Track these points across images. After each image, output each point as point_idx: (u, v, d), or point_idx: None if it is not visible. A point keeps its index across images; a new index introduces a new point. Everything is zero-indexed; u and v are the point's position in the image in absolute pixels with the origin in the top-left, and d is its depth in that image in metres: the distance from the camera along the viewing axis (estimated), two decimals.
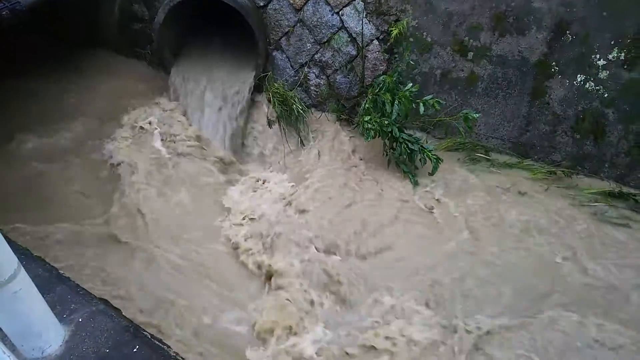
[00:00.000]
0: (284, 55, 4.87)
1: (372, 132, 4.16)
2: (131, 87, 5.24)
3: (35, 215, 3.82)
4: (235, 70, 5.01)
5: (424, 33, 4.38)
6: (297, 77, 4.90)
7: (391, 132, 4.15)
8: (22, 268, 1.97)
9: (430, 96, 4.13)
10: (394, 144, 4.26)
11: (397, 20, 4.42)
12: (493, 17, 4.09)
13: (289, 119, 4.74)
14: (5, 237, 1.96)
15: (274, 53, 4.89)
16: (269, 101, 4.82)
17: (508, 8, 4.03)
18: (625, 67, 3.82)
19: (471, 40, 4.24)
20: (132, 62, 5.58)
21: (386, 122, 4.12)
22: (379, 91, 4.24)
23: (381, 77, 4.32)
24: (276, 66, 4.93)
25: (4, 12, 3.55)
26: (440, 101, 4.09)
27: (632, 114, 3.91)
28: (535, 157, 4.34)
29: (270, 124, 4.83)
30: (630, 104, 3.89)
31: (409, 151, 4.14)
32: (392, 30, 4.41)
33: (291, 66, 4.88)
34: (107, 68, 5.44)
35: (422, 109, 4.10)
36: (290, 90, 4.84)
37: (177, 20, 4.94)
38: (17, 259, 1.95)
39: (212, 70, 5.05)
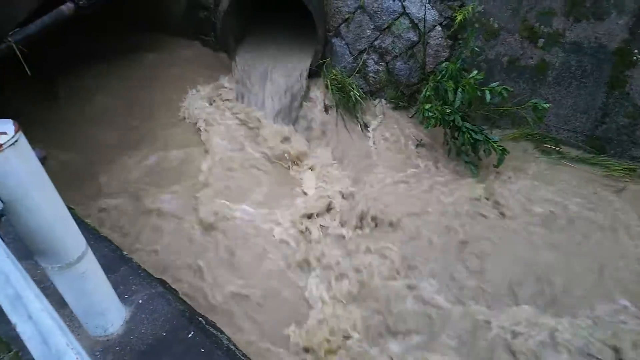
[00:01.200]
0: (343, 42, 4.78)
1: (433, 121, 4.01)
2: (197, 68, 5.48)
3: None
4: (295, 56, 5.04)
5: (491, 19, 4.16)
6: (355, 64, 4.80)
7: (453, 120, 3.98)
8: (90, 249, 2.01)
9: (496, 83, 3.93)
10: (456, 134, 4.09)
11: (461, 6, 4.22)
12: (568, 1, 3.82)
13: (347, 105, 4.66)
14: (76, 218, 2.00)
15: (333, 40, 4.81)
16: (327, 87, 4.76)
17: None
18: None
19: (542, 26, 3.98)
20: (197, 46, 5.74)
21: (448, 111, 3.96)
22: (441, 78, 4.07)
23: (444, 64, 4.14)
24: (335, 53, 4.85)
25: (81, 2, 3.82)
26: (509, 88, 3.88)
27: None
28: (612, 152, 4.04)
29: (327, 109, 4.77)
30: None
31: (472, 141, 3.96)
32: (456, 16, 4.22)
33: (350, 53, 4.79)
34: (174, 51, 5.65)
35: (488, 96, 3.90)
36: (349, 77, 4.75)
37: (240, 8, 4.99)
38: (85, 240, 1.99)
39: (273, 57, 5.12)
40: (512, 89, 3.98)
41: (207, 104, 4.99)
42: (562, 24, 3.90)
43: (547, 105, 3.85)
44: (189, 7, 5.59)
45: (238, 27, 5.21)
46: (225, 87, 5.12)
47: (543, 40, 4.01)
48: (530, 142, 4.22)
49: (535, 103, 3.86)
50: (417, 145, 4.39)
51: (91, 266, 2.04)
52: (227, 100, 4.97)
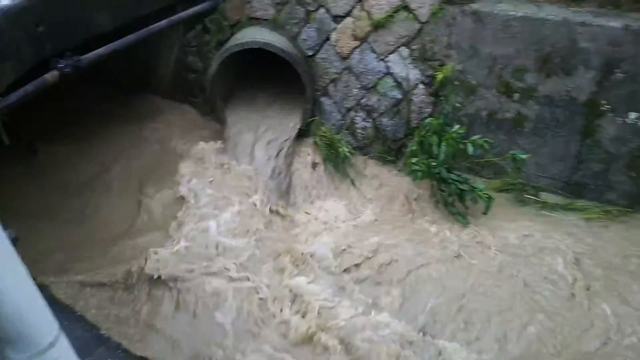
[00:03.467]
0: (331, 101, 5.04)
1: (420, 174, 4.22)
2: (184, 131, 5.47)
3: None
4: (284, 115, 5.21)
5: (469, 76, 4.46)
6: (343, 121, 5.05)
7: (439, 173, 4.19)
8: (63, 333, 1.84)
9: (478, 136, 4.18)
10: (443, 185, 4.29)
11: (441, 65, 4.52)
12: (538, 59, 4.14)
13: (336, 161, 4.85)
14: (49, 296, 1.85)
15: (322, 98, 5.07)
16: (316, 144, 4.96)
17: (553, 50, 4.07)
18: None
19: (516, 82, 4.28)
20: (185, 109, 5.83)
21: (434, 164, 4.17)
22: (425, 133, 4.31)
23: (427, 120, 4.40)
24: (323, 111, 5.09)
25: (66, 70, 3.65)
26: (489, 140, 4.13)
27: None
28: (589, 196, 4.26)
29: (315, 166, 4.94)
30: None
31: (458, 191, 4.15)
32: (437, 75, 4.52)
33: (338, 110, 5.04)
34: (161, 114, 5.68)
35: (470, 149, 4.14)
36: (337, 134, 4.98)
37: (228, 70, 5.22)
38: (57, 323, 1.86)
39: (263, 117, 5.26)
40: (492, 141, 4.22)
41: (197, 169, 4.82)
42: (535, 79, 4.20)
43: (526, 156, 4.09)
44: (177, 69, 5.70)
45: (227, 88, 5.40)
46: (215, 150, 5.02)
47: (518, 94, 4.31)
48: (512, 191, 4.43)
49: (514, 154, 4.11)
50: (409, 198, 4.57)
51: (63, 352, 1.84)
52: (218, 164, 4.88)
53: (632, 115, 3.95)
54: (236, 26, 5.13)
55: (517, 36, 4.16)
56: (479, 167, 4.54)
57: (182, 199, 4.39)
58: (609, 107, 4.01)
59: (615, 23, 3.90)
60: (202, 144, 5.00)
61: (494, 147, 4.38)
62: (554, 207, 4.27)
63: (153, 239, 4.05)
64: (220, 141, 5.10)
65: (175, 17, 4.76)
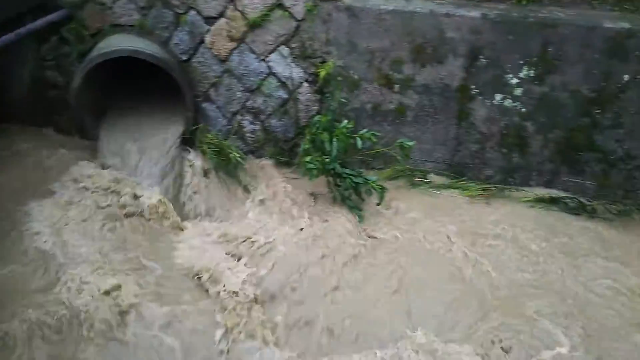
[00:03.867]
0: (214, 106, 4.84)
1: (315, 171, 4.22)
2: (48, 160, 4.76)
3: None
4: (166, 125, 4.86)
5: (351, 71, 4.54)
6: (230, 126, 4.88)
7: (334, 169, 4.23)
8: None
9: (365, 130, 4.28)
10: (338, 180, 4.34)
11: (323, 62, 4.56)
12: (412, 50, 4.35)
13: (227, 168, 4.67)
14: None
15: (204, 104, 4.84)
16: (204, 153, 4.75)
17: (424, 40, 4.30)
18: (535, 82, 4.19)
19: (395, 74, 4.46)
20: (49, 132, 5.15)
21: (327, 160, 4.20)
22: (316, 131, 4.32)
23: (316, 117, 4.41)
24: (207, 117, 4.87)
25: None
26: (376, 133, 4.26)
27: (548, 124, 4.28)
28: (470, 174, 4.60)
29: (206, 175, 4.73)
30: (545, 115, 4.26)
31: (354, 184, 4.23)
32: (319, 72, 4.55)
33: (223, 115, 4.85)
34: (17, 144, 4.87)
35: (359, 143, 4.23)
36: (225, 140, 4.80)
37: (96, 82, 4.75)
38: None
39: (141, 127, 4.87)
40: (379, 133, 4.36)
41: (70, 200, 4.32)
42: (412, 69, 4.41)
43: (412, 143, 4.28)
44: (34, 87, 4.99)
45: (97, 102, 4.90)
46: (90, 174, 4.51)
47: (398, 85, 4.49)
48: (403, 177, 4.63)
49: (401, 142, 4.28)
50: (305, 197, 4.55)
51: None
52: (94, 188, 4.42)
53: (498, 96, 4.32)
54: (98, 35, 4.68)
55: (390, 29, 4.32)
56: (370, 159, 4.67)
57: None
58: (477, 91, 4.34)
59: (475, 13, 4.22)
60: (74, 168, 4.53)
61: (382, 138, 4.53)
62: (440, 188, 4.54)
63: None
64: (94, 161, 4.69)
65: (23, 30, 4.20)
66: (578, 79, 4.11)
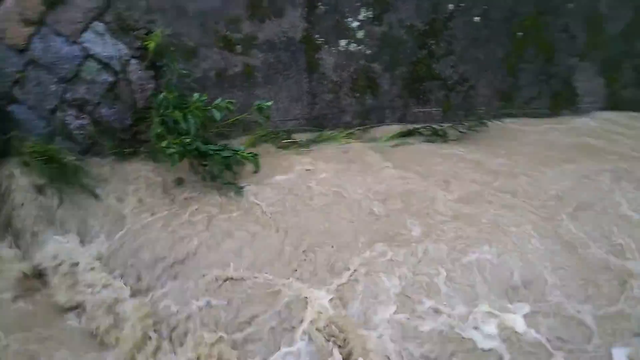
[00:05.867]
0: (24, 107, 3.94)
1: (177, 156, 3.74)
2: None
3: None
4: None
5: (184, 38, 4.07)
6: (51, 127, 4.04)
7: (196, 149, 3.80)
8: None
9: (219, 99, 3.90)
10: (203, 160, 3.92)
11: (149, 33, 3.99)
12: (248, 6, 4.05)
13: (64, 177, 3.90)
14: None
15: (10, 108, 3.91)
16: (27, 165, 3.87)
17: None
18: (375, 23, 4.27)
19: (234, 34, 4.13)
20: None
21: (188, 140, 3.75)
22: (164, 111, 3.80)
23: (161, 96, 3.87)
24: (19, 122, 3.95)
25: None
26: (232, 101, 3.91)
27: (392, 62, 4.42)
28: (331, 124, 4.56)
29: (41, 190, 3.89)
30: (388, 54, 4.39)
31: (223, 160, 3.87)
32: (147, 45, 3.98)
33: (39, 116, 3.98)
34: None
35: (217, 114, 3.84)
36: (51, 144, 3.97)
37: None
38: None
39: None
40: (235, 101, 4.03)
41: None
42: (251, 27, 4.12)
43: (270, 102, 4.04)
44: None
45: None
46: None
47: (240, 46, 4.17)
48: (267, 142, 4.39)
49: (259, 105, 4.01)
50: (169, 186, 4.04)
51: None
52: None
53: (342, 42, 4.30)
54: None
55: None
56: (227, 129, 4.31)
57: None
58: (322, 39, 4.26)
59: None
60: None
61: (235, 105, 4.20)
62: (308, 144, 4.42)
63: None
64: None
65: None
66: (411, 14, 4.30)
